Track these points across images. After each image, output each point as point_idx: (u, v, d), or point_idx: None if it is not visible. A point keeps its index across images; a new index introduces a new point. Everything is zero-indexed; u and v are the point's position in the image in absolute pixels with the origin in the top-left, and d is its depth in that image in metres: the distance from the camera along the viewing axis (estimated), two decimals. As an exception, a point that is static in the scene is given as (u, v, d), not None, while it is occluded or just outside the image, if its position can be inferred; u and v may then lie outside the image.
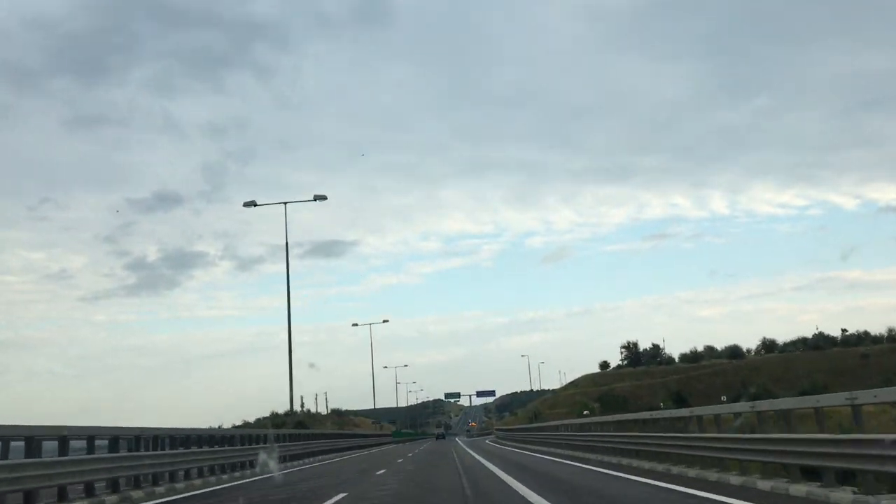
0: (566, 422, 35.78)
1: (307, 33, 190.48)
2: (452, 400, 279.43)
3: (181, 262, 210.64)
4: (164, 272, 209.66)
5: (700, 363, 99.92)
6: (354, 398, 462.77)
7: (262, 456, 22.38)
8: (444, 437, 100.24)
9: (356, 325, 73.63)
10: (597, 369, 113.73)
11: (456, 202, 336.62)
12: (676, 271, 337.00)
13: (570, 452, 26.69)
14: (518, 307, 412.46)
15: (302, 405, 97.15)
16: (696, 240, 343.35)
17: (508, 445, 43.45)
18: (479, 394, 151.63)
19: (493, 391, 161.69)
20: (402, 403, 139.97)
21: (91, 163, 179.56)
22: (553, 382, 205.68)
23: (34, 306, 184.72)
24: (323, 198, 37.90)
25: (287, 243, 39.20)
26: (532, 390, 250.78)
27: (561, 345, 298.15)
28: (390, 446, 59.19)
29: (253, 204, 37.38)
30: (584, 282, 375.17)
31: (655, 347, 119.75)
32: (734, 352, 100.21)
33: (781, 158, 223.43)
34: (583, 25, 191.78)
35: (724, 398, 50.00)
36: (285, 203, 37.86)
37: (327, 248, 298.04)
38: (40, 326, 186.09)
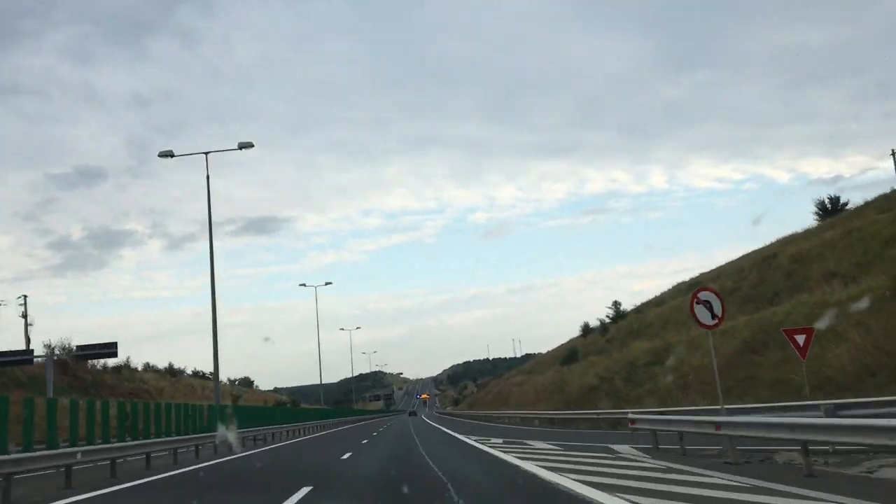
0: None
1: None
2: (396, 372, 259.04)
3: (108, 240, 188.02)
4: (90, 252, 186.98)
5: None
6: (296, 375, 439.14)
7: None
8: (415, 415, 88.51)
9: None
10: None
11: (399, 179, 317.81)
12: (615, 246, 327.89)
13: None
14: (461, 284, 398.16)
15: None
16: (634, 214, 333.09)
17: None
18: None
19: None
20: (346, 375, 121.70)
21: (7, 136, 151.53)
22: (507, 352, 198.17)
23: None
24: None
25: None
26: (488, 359, 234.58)
27: (503, 319, 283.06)
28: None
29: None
30: (525, 257, 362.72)
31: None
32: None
33: (721, 133, 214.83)
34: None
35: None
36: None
37: (261, 225, 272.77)
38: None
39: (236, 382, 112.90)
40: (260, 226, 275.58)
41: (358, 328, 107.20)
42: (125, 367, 73.42)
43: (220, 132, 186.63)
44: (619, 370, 33.64)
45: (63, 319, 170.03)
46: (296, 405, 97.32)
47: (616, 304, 70.87)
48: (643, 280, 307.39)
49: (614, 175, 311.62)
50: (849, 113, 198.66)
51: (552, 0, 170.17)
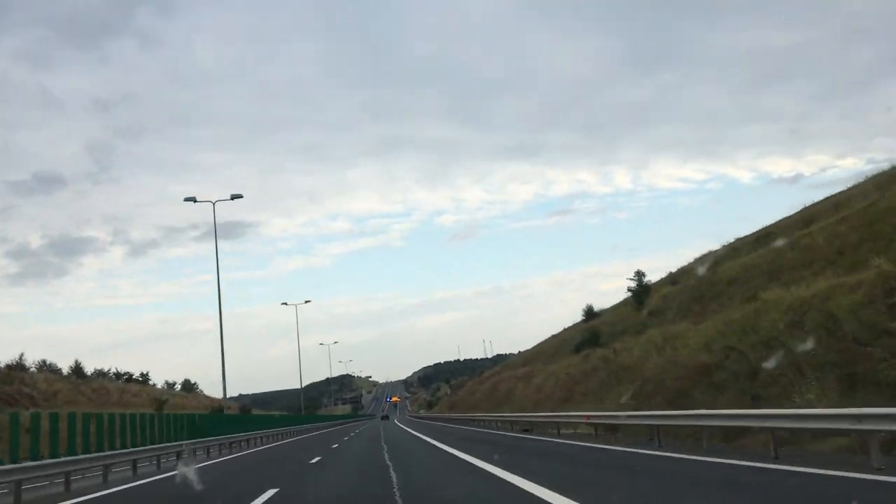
0: None
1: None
2: (364, 375, 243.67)
3: (68, 248, 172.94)
4: (50, 260, 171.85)
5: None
6: (269, 381, 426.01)
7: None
8: (388, 419, 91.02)
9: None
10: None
11: (366, 182, 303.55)
12: (582, 246, 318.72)
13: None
14: (430, 287, 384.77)
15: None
16: (601, 215, 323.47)
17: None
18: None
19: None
20: (313, 379, 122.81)
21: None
22: (477, 353, 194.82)
23: None
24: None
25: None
26: (459, 360, 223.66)
27: (473, 321, 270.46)
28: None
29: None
30: (493, 260, 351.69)
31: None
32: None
33: (684, 133, 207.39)
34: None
35: None
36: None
37: (227, 230, 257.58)
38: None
39: (175, 386, 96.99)
40: (225, 231, 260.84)
41: (308, 301, 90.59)
42: (4, 367, 56.26)
43: (184, 135, 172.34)
44: (797, 333, 17.17)
45: (23, 330, 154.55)
46: (245, 412, 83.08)
47: (639, 273, 57.25)
48: (612, 279, 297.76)
49: (580, 176, 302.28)
50: (808, 113, 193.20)
51: (518, 2, 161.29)
